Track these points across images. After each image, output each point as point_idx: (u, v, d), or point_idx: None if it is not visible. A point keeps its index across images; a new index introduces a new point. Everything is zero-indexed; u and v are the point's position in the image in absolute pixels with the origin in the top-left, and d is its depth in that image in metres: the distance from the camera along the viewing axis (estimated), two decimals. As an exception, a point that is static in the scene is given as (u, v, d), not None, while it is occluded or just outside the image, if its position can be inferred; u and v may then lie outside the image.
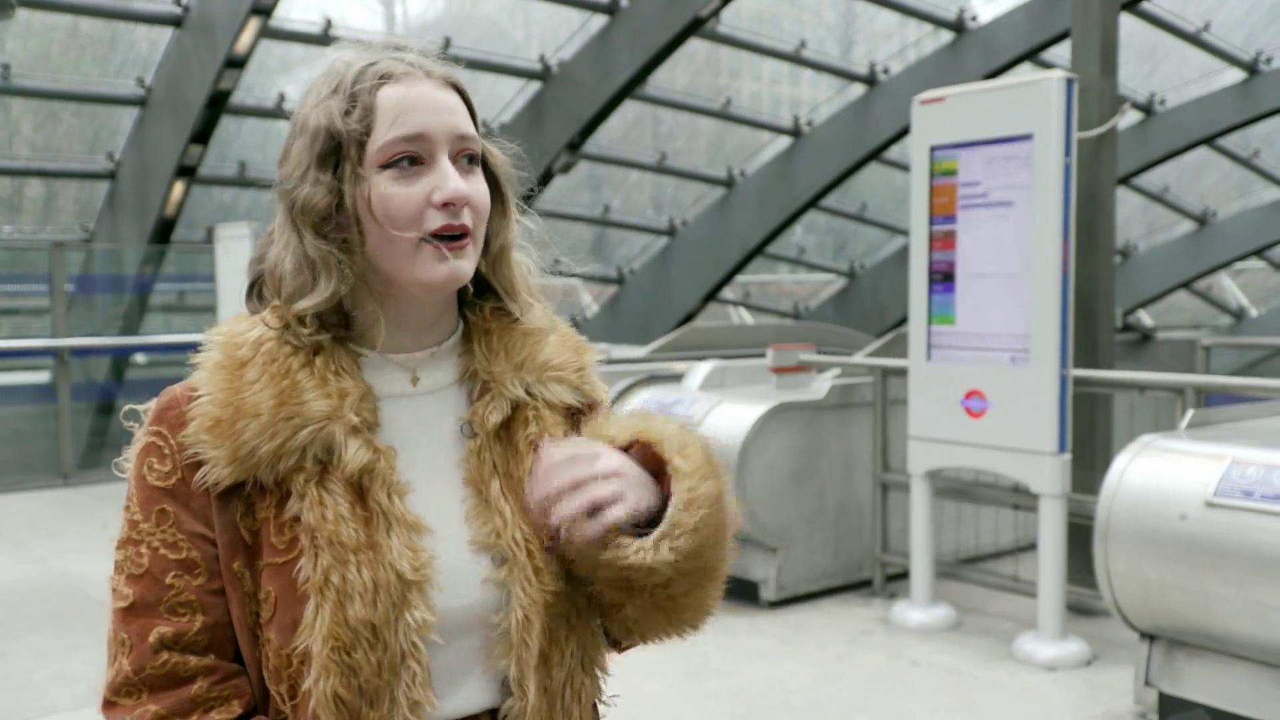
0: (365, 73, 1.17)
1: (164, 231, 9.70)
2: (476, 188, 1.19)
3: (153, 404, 1.20)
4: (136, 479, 1.17)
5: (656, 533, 1.14)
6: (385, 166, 1.15)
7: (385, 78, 1.17)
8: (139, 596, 1.14)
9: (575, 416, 1.32)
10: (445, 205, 1.15)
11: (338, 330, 1.20)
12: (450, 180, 1.15)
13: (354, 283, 1.18)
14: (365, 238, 1.17)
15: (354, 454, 1.14)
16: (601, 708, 1.34)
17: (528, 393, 1.25)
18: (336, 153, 1.16)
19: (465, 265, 1.17)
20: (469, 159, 1.19)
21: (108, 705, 1.16)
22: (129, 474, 1.18)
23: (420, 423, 1.23)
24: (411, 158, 1.15)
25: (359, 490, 1.15)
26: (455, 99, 1.20)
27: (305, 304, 1.16)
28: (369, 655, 1.11)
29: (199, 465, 1.14)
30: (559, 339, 1.31)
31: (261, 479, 1.14)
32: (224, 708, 1.14)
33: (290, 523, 1.14)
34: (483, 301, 1.29)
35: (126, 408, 1.22)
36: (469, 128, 1.19)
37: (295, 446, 1.13)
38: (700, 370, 6.05)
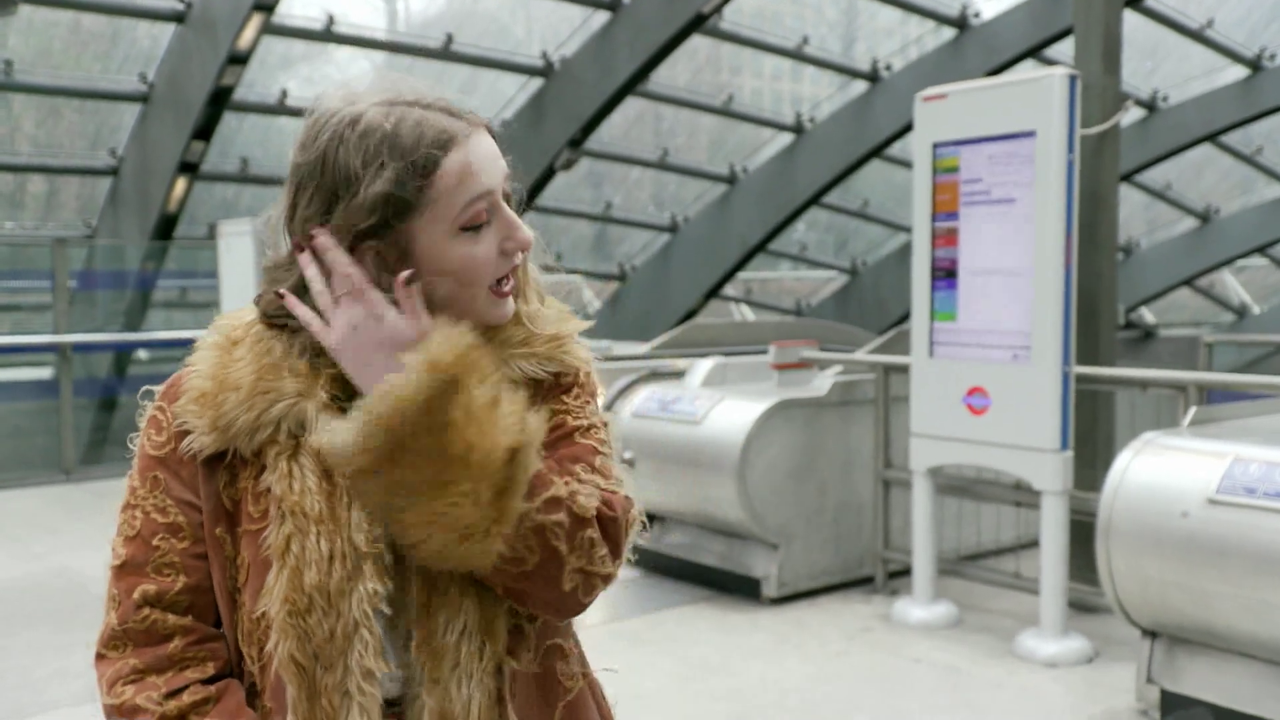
0: (424, 135, 1.18)
1: (166, 228, 9.70)
2: None
3: (163, 384, 1.30)
4: (139, 448, 1.28)
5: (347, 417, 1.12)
6: (465, 229, 1.20)
7: (448, 142, 1.19)
8: (130, 556, 1.24)
9: (549, 392, 1.30)
10: (516, 251, 1.24)
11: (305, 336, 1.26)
12: (520, 230, 1.23)
13: None
14: (434, 289, 1.21)
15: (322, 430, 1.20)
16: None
17: None
18: (398, 216, 1.18)
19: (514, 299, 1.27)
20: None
21: (99, 658, 1.26)
22: (136, 445, 1.28)
23: None
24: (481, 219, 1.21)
25: (327, 465, 1.20)
26: (497, 148, 1.26)
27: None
28: (322, 621, 1.18)
29: (188, 434, 1.23)
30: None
31: (241, 450, 1.22)
32: (198, 667, 1.22)
33: (265, 493, 1.21)
34: None
35: (143, 389, 1.31)
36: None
37: (270, 419, 1.21)
38: (702, 367, 6.05)
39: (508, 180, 1.24)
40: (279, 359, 1.23)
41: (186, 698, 1.20)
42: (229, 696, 1.22)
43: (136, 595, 1.23)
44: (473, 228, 1.20)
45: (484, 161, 1.21)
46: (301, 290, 1.21)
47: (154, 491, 1.24)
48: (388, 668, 1.21)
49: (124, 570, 1.24)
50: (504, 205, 1.23)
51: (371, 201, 1.16)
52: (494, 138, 1.25)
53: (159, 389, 1.29)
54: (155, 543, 1.23)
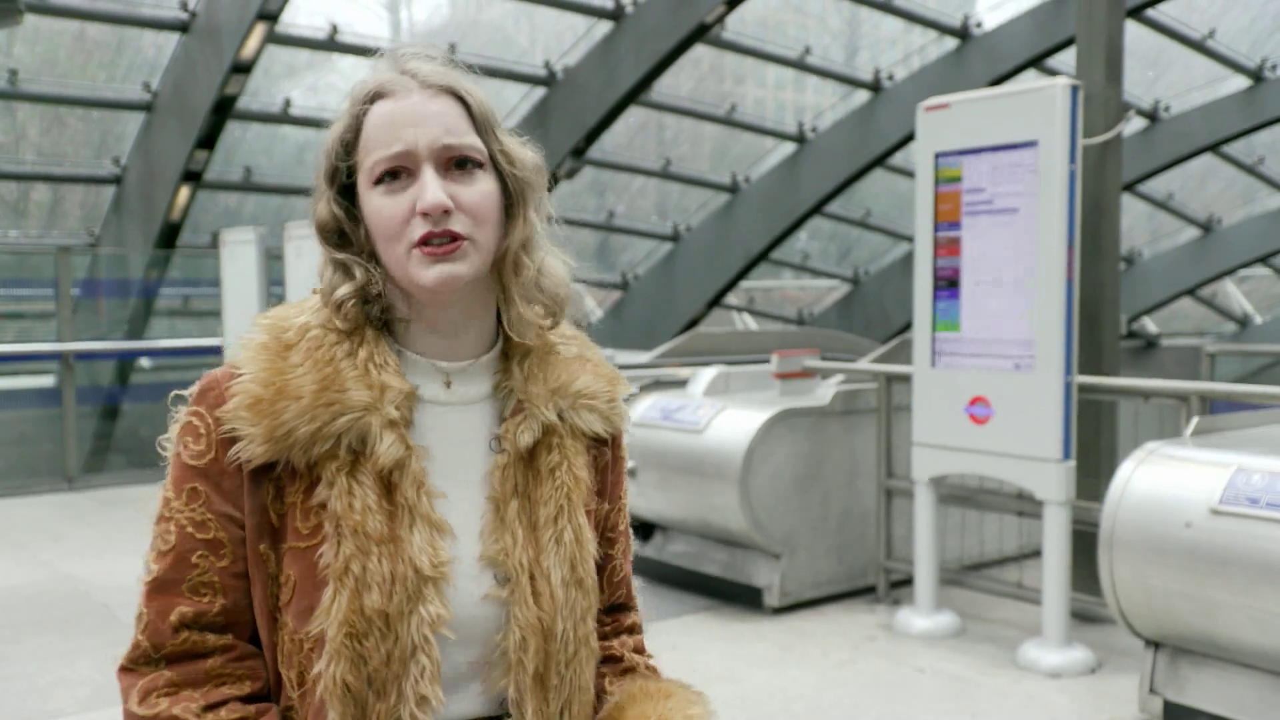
0: (361, 93, 1.21)
1: (169, 236, 9.71)
2: (471, 191, 1.19)
3: (196, 386, 1.22)
4: (173, 457, 1.20)
5: None
6: (376, 183, 1.19)
7: (375, 96, 1.20)
8: (163, 573, 1.18)
9: (599, 446, 1.35)
10: (425, 214, 1.16)
11: (375, 317, 1.22)
12: (427, 190, 1.16)
13: (382, 287, 1.22)
14: (374, 244, 1.21)
15: (387, 448, 1.17)
16: None
17: (559, 417, 1.28)
18: (338, 173, 1.22)
19: (458, 268, 1.18)
20: (460, 164, 1.20)
21: (124, 670, 1.18)
22: (169, 453, 1.21)
23: (449, 431, 1.25)
24: (394, 172, 1.18)
25: (388, 484, 1.17)
26: (448, 105, 1.20)
27: (343, 291, 1.20)
28: (379, 645, 1.14)
29: (234, 443, 1.16)
30: (595, 367, 1.34)
31: (294, 461, 1.16)
32: (236, 684, 1.17)
33: (316, 509, 1.16)
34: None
35: (173, 393, 1.24)
36: (459, 135, 1.20)
37: (332, 433, 1.15)
38: (705, 376, 6.05)
39: (453, 149, 1.19)
40: (341, 368, 1.18)
41: (225, 714, 1.15)
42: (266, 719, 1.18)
43: (173, 618, 1.16)
44: (386, 182, 1.17)
45: (402, 117, 1.17)
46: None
47: (191, 504, 1.17)
48: (442, 697, 1.17)
49: (156, 588, 1.18)
50: (425, 168, 1.17)
51: (326, 149, 1.22)
52: (464, 103, 1.21)
53: (191, 392, 1.21)
54: (194, 560, 1.17)
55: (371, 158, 1.18)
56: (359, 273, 1.20)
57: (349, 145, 1.20)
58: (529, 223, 1.26)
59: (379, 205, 1.18)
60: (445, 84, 1.21)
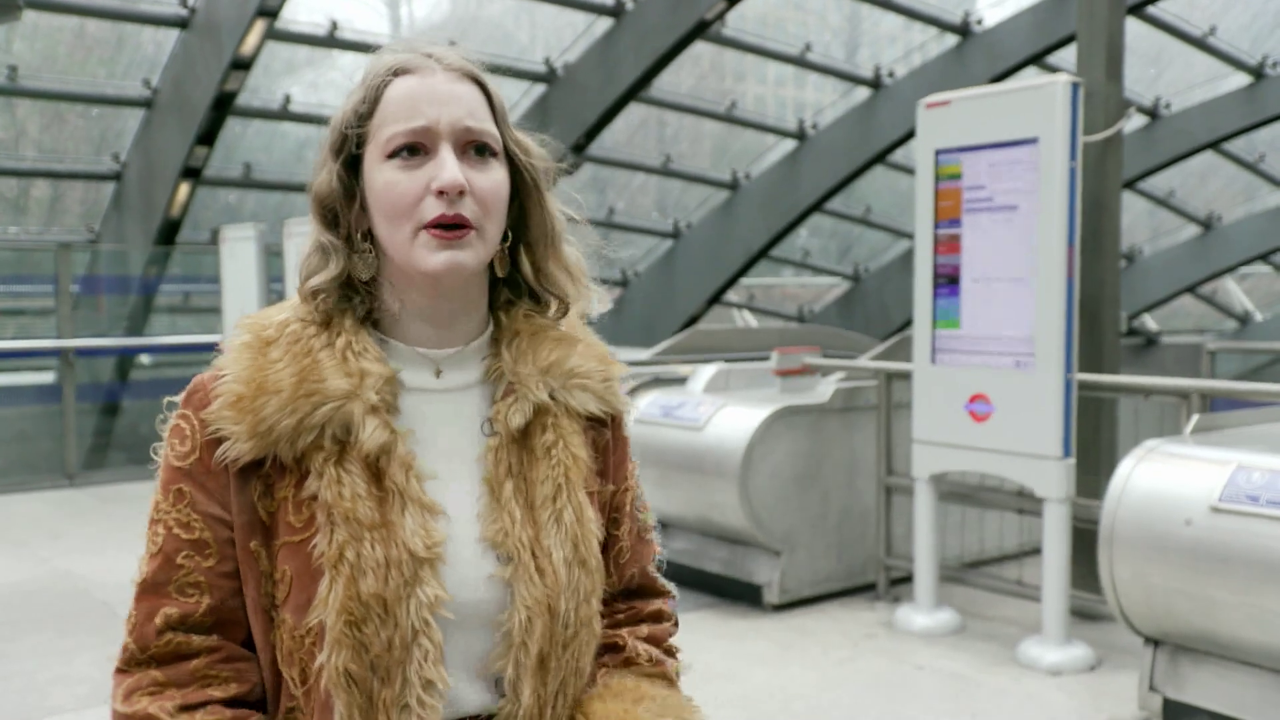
0: (381, 67, 1.20)
1: (169, 233, 9.71)
2: (485, 178, 1.19)
3: (184, 391, 1.22)
4: (162, 460, 1.20)
5: None
6: (390, 156, 1.17)
7: (398, 71, 1.20)
8: (151, 575, 1.18)
9: (598, 427, 1.33)
10: (440, 193, 1.15)
11: (358, 309, 1.22)
12: (446, 169, 1.15)
13: (375, 271, 1.21)
14: (375, 227, 1.20)
15: (371, 433, 1.16)
16: None
17: (551, 397, 1.26)
18: (347, 143, 1.20)
19: (464, 256, 1.17)
20: (478, 150, 1.19)
21: (118, 671, 1.19)
22: (159, 457, 1.22)
23: (441, 417, 1.24)
24: (411, 148, 1.17)
25: (375, 470, 1.17)
26: (469, 90, 1.20)
27: (316, 281, 1.20)
28: (380, 631, 1.13)
29: (219, 443, 1.16)
30: (586, 347, 1.33)
31: (281, 456, 1.15)
32: (221, 686, 1.17)
33: (308, 501, 1.15)
34: (517, 304, 1.30)
35: (166, 399, 1.24)
36: (479, 120, 1.20)
37: (314, 424, 1.15)
38: (705, 373, 6.05)
39: (473, 133, 1.18)
40: (319, 358, 1.17)
41: (202, 716, 1.15)
42: None
43: (159, 620, 1.16)
44: (402, 157, 1.16)
45: (425, 94, 1.17)
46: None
47: (177, 506, 1.17)
48: (448, 680, 1.16)
49: (144, 589, 1.18)
50: (444, 147, 1.16)
51: (336, 120, 1.21)
52: (485, 91, 1.22)
53: (180, 397, 1.21)
54: (179, 561, 1.17)
55: (388, 130, 1.17)
56: (334, 263, 1.20)
57: (363, 117, 1.19)
58: (551, 211, 1.27)
59: (392, 179, 1.16)
60: (469, 70, 1.22)
